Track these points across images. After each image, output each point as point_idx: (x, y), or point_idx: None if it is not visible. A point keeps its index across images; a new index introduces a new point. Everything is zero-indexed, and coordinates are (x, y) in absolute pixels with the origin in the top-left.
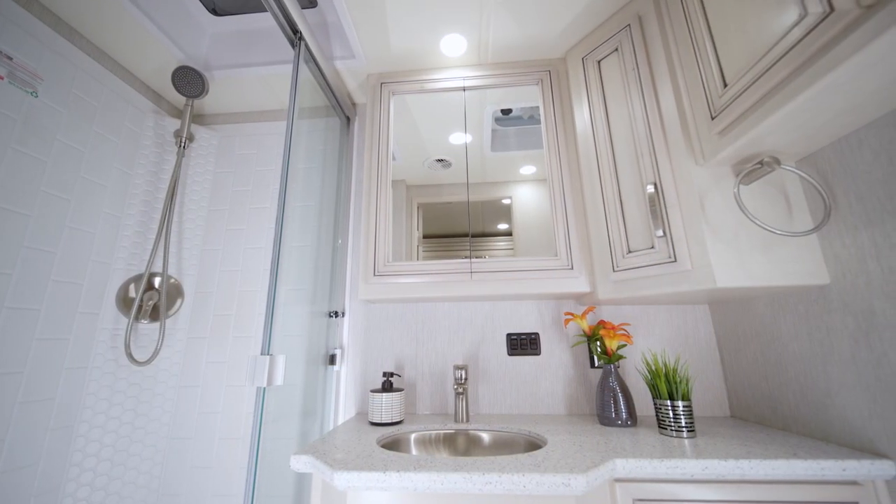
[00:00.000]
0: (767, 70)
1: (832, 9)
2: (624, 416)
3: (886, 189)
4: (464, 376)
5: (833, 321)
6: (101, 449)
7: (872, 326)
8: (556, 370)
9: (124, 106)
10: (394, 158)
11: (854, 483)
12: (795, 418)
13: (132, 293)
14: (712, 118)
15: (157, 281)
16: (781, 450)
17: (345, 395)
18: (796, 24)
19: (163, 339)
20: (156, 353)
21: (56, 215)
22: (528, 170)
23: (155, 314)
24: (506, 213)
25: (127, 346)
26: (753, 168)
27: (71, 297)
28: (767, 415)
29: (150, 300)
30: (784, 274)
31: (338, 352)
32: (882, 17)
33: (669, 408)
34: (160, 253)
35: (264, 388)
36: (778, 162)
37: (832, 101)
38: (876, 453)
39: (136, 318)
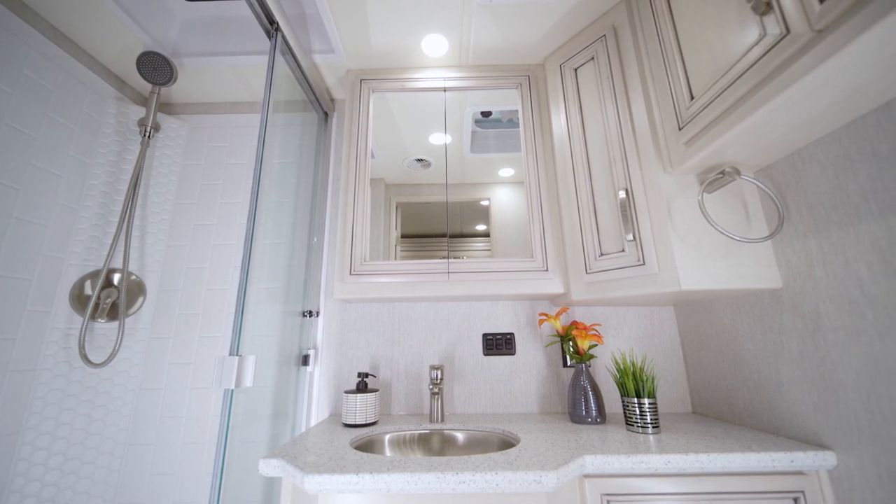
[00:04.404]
0: (730, 85)
1: (788, 30)
2: (594, 413)
3: (832, 200)
4: (439, 376)
5: (784, 322)
6: (49, 457)
7: (818, 327)
8: (530, 369)
9: (83, 90)
10: (373, 156)
11: (800, 473)
12: (750, 414)
13: (88, 290)
14: (680, 129)
15: (116, 277)
16: (737, 444)
17: (318, 396)
18: (756, 43)
19: (121, 340)
20: (113, 354)
21: (2, 205)
22: (506, 172)
23: (113, 313)
24: (484, 214)
25: (81, 346)
26: (716, 177)
27: (18, 293)
28: (725, 411)
29: (109, 298)
30: (742, 278)
31: (311, 352)
32: (830, 41)
33: (636, 405)
34: (120, 248)
35: (232, 391)
36: (738, 172)
37: (786, 117)
38: (820, 445)
39: (93, 317)
